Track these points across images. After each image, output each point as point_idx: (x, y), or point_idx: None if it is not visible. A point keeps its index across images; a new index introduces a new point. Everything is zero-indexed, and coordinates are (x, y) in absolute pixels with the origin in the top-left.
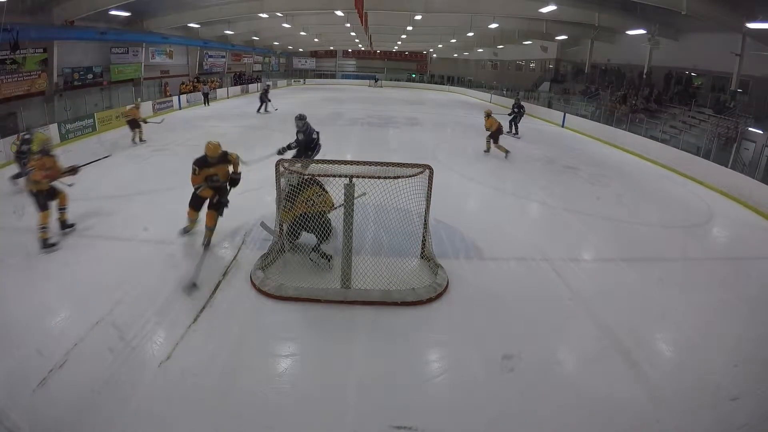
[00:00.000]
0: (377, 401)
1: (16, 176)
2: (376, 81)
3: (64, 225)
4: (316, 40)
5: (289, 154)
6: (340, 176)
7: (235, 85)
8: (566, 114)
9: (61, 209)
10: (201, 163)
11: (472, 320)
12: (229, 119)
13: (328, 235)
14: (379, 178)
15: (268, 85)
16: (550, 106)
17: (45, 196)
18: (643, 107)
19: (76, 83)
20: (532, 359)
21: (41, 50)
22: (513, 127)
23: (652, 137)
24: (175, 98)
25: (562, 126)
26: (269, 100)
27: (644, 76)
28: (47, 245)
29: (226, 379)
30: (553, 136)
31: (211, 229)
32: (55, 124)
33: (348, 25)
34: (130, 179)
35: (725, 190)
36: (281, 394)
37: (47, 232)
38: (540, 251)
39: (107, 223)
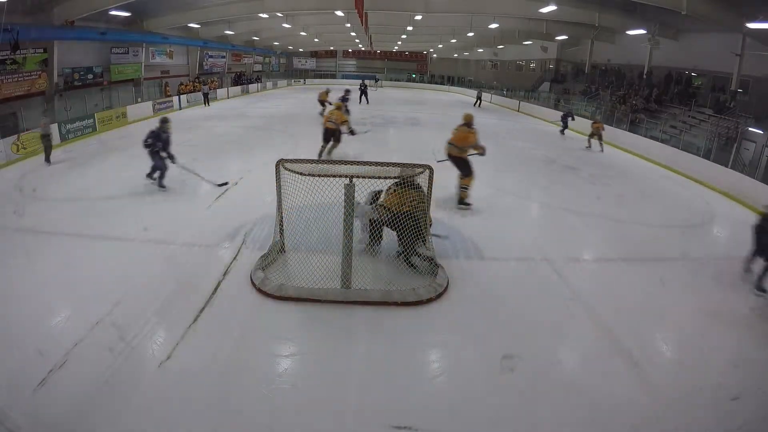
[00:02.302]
0: (377, 401)
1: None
2: (376, 81)
3: (462, 202)
4: (316, 40)
5: None
6: (340, 176)
7: (235, 85)
8: None
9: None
10: None
11: (472, 320)
12: (230, 119)
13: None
14: (379, 178)
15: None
16: (556, 106)
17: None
18: (643, 107)
19: (76, 83)
20: (532, 359)
21: (41, 50)
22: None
23: (652, 137)
24: (175, 98)
25: None
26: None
27: (644, 77)
28: (466, 204)
29: (226, 379)
30: (553, 136)
31: None
32: (56, 124)
33: (348, 25)
34: (131, 179)
35: (725, 190)
36: (281, 394)
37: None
38: (540, 251)
39: (107, 223)
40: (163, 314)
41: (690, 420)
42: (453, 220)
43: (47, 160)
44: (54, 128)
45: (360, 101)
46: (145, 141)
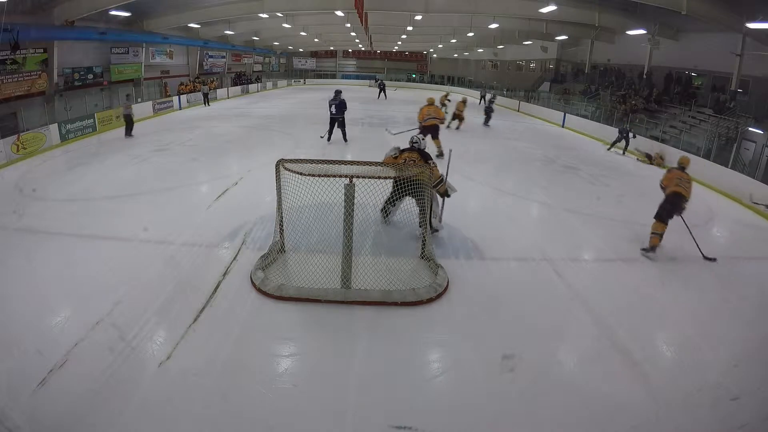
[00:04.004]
0: (377, 401)
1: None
2: (376, 81)
3: None
4: (316, 40)
5: None
6: (340, 176)
7: (234, 85)
8: (566, 114)
9: None
10: None
11: (472, 320)
12: (230, 119)
13: (425, 204)
14: (379, 178)
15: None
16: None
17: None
18: (643, 107)
19: (76, 83)
20: (532, 359)
21: (41, 50)
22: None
23: (652, 137)
24: (175, 98)
25: (562, 126)
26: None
27: (644, 76)
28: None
29: (226, 379)
30: (553, 136)
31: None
32: (56, 124)
33: (348, 25)
34: (130, 179)
35: (725, 190)
36: (281, 394)
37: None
38: (540, 251)
39: (107, 223)
40: (163, 314)
41: (690, 420)
42: (453, 220)
43: (129, 134)
44: (54, 128)
45: (378, 97)
46: (341, 106)
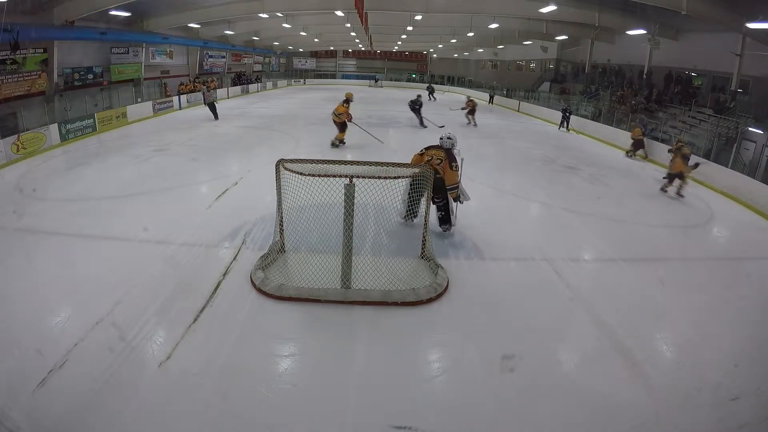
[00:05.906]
0: (377, 401)
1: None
2: (376, 81)
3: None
4: (316, 40)
5: None
6: (340, 176)
7: (234, 85)
8: None
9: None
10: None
11: (472, 320)
12: (230, 119)
13: (442, 201)
14: (379, 178)
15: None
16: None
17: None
18: (643, 107)
19: (76, 83)
20: (532, 359)
21: (41, 50)
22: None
23: (652, 137)
24: (175, 98)
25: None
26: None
27: (644, 76)
28: None
29: (226, 379)
30: (552, 136)
31: None
32: (56, 125)
33: (348, 25)
34: (130, 179)
35: (725, 191)
36: (281, 394)
37: None
38: (540, 251)
39: (107, 223)
40: (163, 314)
41: (690, 420)
42: (453, 221)
43: (216, 118)
44: (54, 128)
45: (429, 99)
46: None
